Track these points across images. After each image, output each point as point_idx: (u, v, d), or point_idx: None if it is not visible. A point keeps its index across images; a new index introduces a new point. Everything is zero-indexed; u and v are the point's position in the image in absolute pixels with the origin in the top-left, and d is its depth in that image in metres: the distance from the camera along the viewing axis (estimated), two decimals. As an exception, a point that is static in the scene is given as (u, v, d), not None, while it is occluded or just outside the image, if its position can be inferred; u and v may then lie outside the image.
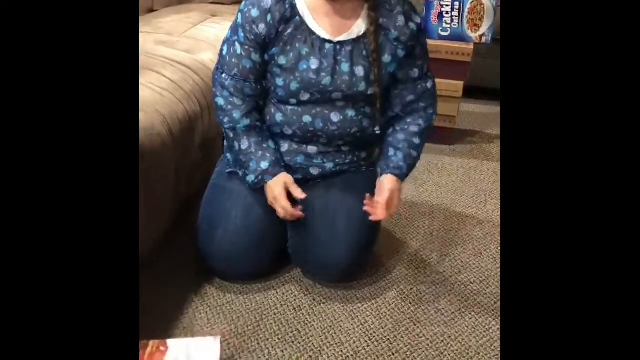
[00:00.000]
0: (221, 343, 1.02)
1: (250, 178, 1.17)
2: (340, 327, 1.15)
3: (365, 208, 1.13)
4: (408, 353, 1.09)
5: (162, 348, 0.98)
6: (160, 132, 1.15)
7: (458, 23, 1.83)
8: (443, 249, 1.42)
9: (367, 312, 1.19)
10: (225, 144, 1.27)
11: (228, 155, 1.27)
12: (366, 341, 1.11)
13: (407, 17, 1.12)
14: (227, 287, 1.23)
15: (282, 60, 1.11)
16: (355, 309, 1.20)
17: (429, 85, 1.21)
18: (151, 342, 0.99)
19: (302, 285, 1.26)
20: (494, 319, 1.19)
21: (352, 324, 1.16)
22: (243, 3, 1.11)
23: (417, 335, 1.14)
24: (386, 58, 1.13)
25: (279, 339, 1.10)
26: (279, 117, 1.16)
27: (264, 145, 1.17)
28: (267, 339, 1.10)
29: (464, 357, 1.10)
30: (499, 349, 1.10)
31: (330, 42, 1.10)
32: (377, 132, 1.20)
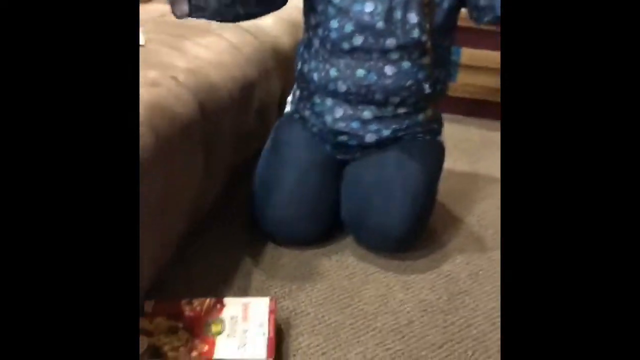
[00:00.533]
0: (276, 304, 1.02)
1: None
2: (394, 296, 1.13)
3: None
4: (463, 326, 1.07)
5: (218, 306, 1.00)
6: (222, 94, 1.16)
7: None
8: (499, 225, 1.38)
9: (421, 284, 1.17)
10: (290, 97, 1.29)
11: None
12: (420, 312, 1.10)
13: None
14: (280, 251, 1.23)
15: None
16: (410, 279, 1.18)
17: None
18: (208, 300, 1.00)
19: (356, 253, 1.25)
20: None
21: (405, 294, 1.14)
22: None
23: (473, 309, 1.12)
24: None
25: (332, 304, 1.10)
26: (333, 72, 1.15)
27: None
28: (321, 304, 1.10)
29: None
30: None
31: None
32: (428, 91, 1.17)
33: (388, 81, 1.14)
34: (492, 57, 1.80)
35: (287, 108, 1.36)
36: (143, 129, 0.89)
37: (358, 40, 1.12)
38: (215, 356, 0.91)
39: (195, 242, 1.22)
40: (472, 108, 1.90)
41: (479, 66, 1.83)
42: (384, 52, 1.13)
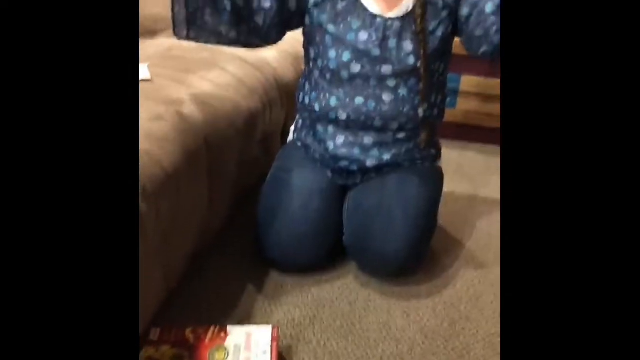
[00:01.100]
0: (279, 332, 1.04)
1: None
2: (396, 322, 1.15)
3: None
4: (464, 352, 1.08)
5: (222, 334, 1.01)
6: (226, 125, 1.19)
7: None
8: (499, 250, 1.39)
9: (423, 310, 1.19)
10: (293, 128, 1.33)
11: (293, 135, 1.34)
12: (422, 338, 1.11)
13: None
14: (284, 279, 1.25)
15: (331, 28, 1.16)
16: (411, 305, 1.20)
17: None
18: (212, 328, 1.02)
19: (358, 279, 1.27)
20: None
21: (407, 321, 1.16)
22: None
23: (473, 334, 1.13)
24: (432, 25, 1.16)
25: (334, 331, 1.12)
26: (333, 101, 1.20)
27: None
28: (323, 332, 1.12)
29: (522, 359, 1.08)
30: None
31: (380, 17, 1.15)
32: (424, 116, 1.21)
33: (386, 108, 1.18)
34: (491, 84, 1.84)
35: (290, 136, 1.39)
36: (149, 162, 0.92)
37: (356, 67, 1.16)
38: (219, 384, 0.93)
39: (199, 270, 1.24)
40: (472, 134, 1.93)
41: (478, 93, 1.87)
42: (381, 80, 1.17)
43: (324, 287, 1.24)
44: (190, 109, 1.12)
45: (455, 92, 1.87)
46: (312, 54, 1.23)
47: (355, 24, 1.15)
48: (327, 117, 1.22)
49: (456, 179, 1.72)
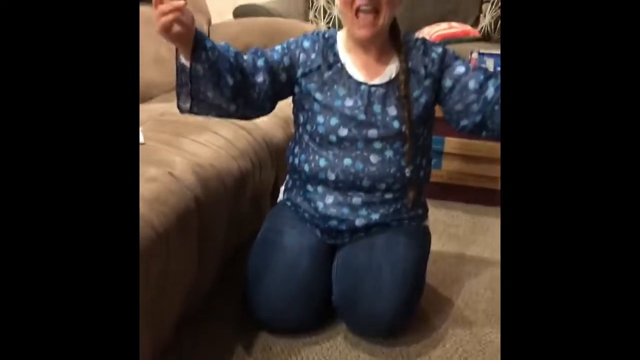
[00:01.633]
0: (268, 394, 1.03)
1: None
2: (386, 384, 1.14)
3: None
4: (455, 414, 1.07)
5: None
6: (216, 187, 1.22)
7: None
8: (489, 309, 1.40)
9: (413, 370, 1.18)
10: (283, 188, 1.37)
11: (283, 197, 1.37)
12: (412, 399, 1.10)
13: (429, 51, 1.23)
14: (272, 341, 1.24)
15: (318, 96, 1.22)
16: (401, 366, 1.19)
17: (478, 67, 1.26)
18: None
19: (347, 340, 1.26)
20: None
21: (397, 382, 1.15)
22: (302, 35, 1.26)
23: (465, 395, 1.12)
24: (416, 93, 1.22)
25: (324, 393, 1.10)
26: (322, 162, 1.23)
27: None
28: (313, 393, 1.10)
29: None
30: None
31: (365, 84, 1.21)
32: (410, 177, 1.24)
33: (373, 169, 1.22)
34: (473, 145, 1.90)
35: (280, 196, 1.42)
36: (140, 223, 0.94)
37: (343, 131, 1.21)
38: None
39: (187, 331, 1.23)
40: (457, 193, 1.98)
41: (461, 154, 1.93)
42: (368, 142, 1.21)
43: (313, 349, 1.23)
44: (181, 171, 1.15)
45: (440, 154, 1.93)
46: (301, 119, 1.28)
47: (342, 91, 1.21)
48: (317, 178, 1.25)
49: (443, 238, 1.74)
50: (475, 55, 1.88)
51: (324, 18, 2.93)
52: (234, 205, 1.32)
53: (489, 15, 2.71)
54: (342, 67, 1.22)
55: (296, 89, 1.25)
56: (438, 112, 1.30)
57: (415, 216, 1.33)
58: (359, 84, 1.21)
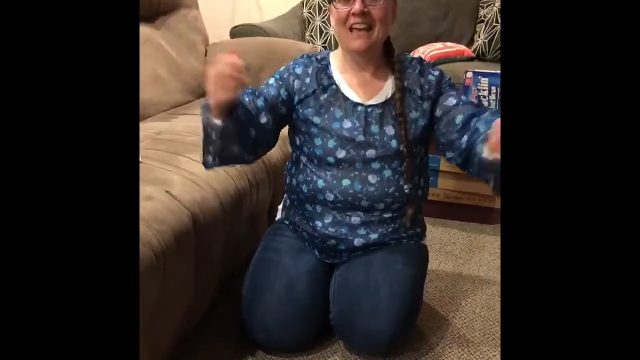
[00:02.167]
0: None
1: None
2: (383, 404, 1.13)
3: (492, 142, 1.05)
4: None
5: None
6: (213, 206, 1.22)
7: (495, 106, 1.90)
8: (486, 327, 1.40)
9: (411, 390, 1.17)
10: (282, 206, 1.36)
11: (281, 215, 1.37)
12: (410, 419, 1.09)
13: (426, 72, 1.24)
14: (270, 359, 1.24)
15: (316, 119, 1.22)
16: (398, 385, 1.18)
17: (470, 99, 1.26)
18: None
19: (345, 359, 1.25)
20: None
21: (395, 401, 1.14)
22: (292, 61, 1.27)
23: (463, 415, 1.11)
24: (414, 114, 1.23)
25: (321, 413, 1.09)
26: (320, 183, 1.23)
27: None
28: (310, 414, 1.09)
29: None
30: None
31: (361, 105, 1.22)
32: (409, 196, 1.25)
33: (372, 189, 1.22)
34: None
35: (278, 215, 1.42)
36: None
37: (341, 153, 1.21)
38: None
39: (184, 351, 1.22)
40: (454, 212, 1.98)
41: (457, 172, 1.94)
42: (366, 163, 1.21)
43: (311, 368, 1.22)
44: (178, 189, 1.15)
45: (436, 172, 1.94)
46: (298, 141, 1.28)
47: (338, 113, 1.22)
48: (315, 198, 1.25)
49: (440, 257, 1.74)
50: (470, 74, 1.90)
51: (320, 38, 2.96)
52: (231, 224, 1.32)
53: (483, 35, 2.75)
54: (338, 89, 1.23)
55: (294, 115, 1.26)
56: (433, 131, 1.31)
57: (414, 235, 1.33)
58: (356, 104, 1.22)
